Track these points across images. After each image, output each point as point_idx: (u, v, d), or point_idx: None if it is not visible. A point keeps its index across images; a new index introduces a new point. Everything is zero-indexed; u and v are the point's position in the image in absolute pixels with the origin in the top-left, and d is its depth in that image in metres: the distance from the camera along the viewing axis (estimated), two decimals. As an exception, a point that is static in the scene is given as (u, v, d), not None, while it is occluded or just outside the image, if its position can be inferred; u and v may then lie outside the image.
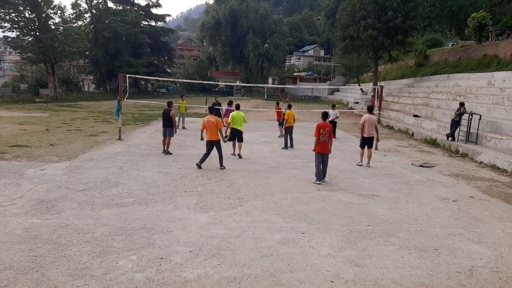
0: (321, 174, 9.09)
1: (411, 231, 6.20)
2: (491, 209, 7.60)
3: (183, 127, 18.63)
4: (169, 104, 12.50)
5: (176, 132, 12.42)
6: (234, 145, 12.23)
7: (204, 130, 10.26)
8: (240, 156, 11.79)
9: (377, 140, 12.06)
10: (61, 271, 4.46)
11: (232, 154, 11.98)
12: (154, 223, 6.10)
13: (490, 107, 16.13)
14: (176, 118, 19.53)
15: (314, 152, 9.20)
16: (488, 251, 5.55)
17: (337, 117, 17.38)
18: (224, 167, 10.20)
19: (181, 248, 5.23)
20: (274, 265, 4.84)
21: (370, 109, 11.89)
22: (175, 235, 5.66)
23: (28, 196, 7.15)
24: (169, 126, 12.11)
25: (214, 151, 10.17)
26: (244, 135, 12.35)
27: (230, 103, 17.16)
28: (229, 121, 12.12)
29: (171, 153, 12.10)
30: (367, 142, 11.35)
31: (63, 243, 5.20)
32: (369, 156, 11.44)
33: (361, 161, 11.45)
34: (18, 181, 8.17)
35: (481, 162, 12.21)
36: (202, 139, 10.57)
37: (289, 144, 14.04)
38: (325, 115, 9.41)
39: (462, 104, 14.96)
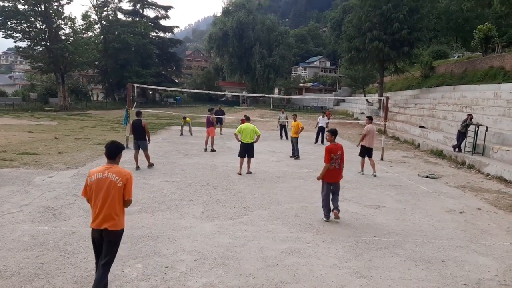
0: (329, 209, 7.13)
1: (417, 243, 6.15)
2: (498, 221, 7.52)
3: (191, 134, 20.20)
4: (138, 114, 11.44)
5: (149, 142, 11.28)
6: (242, 163, 10.74)
7: None
8: (249, 172, 10.78)
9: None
10: (67, 279, 4.48)
11: (238, 174, 10.60)
12: (159, 231, 6.12)
13: (496, 119, 16.05)
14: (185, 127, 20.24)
15: (321, 180, 7.24)
16: (496, 264, 5.48)
17: (327, 123, 19.06)
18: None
19: (187, 256, 5.24)
20: (279, 275, 4.82)
21: (371, 119, 11.98)
22: (181, 243, 5.67)
23: (36, 203, 7.22)
24: (141, 138, 11.00)
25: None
26: None
27: (210, 110, 16.20)
28: (236, 132, 10.87)
29: (153, 164, 11.24)
30: (367, 152, 11.48)
31: (69, 251, 5.23)
32: (373, 165, 11.47)
33: (362, 170, 11.59)
34: (26, 188, 8.25)
35: (488, 174, 12.11)
36: None
37: (291, 154, 14.19)
38: (334, 133, 7.34)
39: (470, 116, 14.87)
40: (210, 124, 15.01)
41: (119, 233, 4.01)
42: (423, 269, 5.20)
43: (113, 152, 4.19)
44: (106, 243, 3.93)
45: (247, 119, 11.19)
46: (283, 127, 20.20)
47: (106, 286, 3.99)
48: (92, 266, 4.75)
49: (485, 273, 5.18)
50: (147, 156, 11.13)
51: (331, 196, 7.15)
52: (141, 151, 11.12)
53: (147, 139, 11.09)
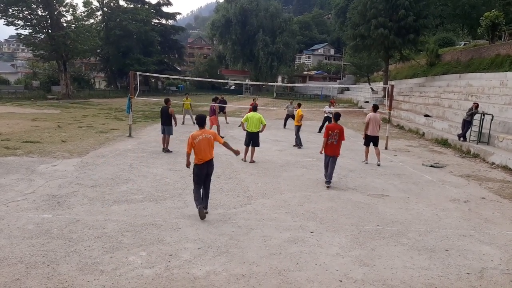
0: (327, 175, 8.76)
1: (421, 232, 6.15)
2: (502, 210, 7.50)
3: (194, 123, 19.10)
4: (167, 101, 12.34)
5: (176, 125, 12.19)
6: (246, 151, 10.96)
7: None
8: (252, 161, 10.85)
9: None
10: (72, 266, 4.52)
11: (242, 160, 10.92)
12: (163, 219, 6.14)
13: (502, 108, 15.89)
14: (181, 116, 20.05)
15: (321, 153, 8.99)
16: (499, 253, 5.47)
17: (331, 113, 18.63)
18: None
19: (190, 245, 5.26)
20: (283, 263, 4.84)
21: (375, 108, 11.87)
22: (184, 232, 5.70)
23: (40, 192, 7.25)
24: (168, 124, 11.88)
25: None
26: None
27: (215, 99, 16.67)
28: (242, 121, 11.12)
29: (171, 151, 11.83)
30: (371, 141, 11.45)
31: (74, 238, 5.26)
32: (378, 154, 11.43)
33: (366, 159, 11.58)
34: (30, 176, 8.29)
35: (493, 163, 12.05)
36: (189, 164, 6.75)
37: (294, 143, 14.11)
38: (336, 116, 9.04)
39: (476, 105, 14.74)
40: (212, 112, 15.20)
41: (212, 160, 6.53)
42: (426, 258, 5.21)
43: (201, 122, 6.51)
44: (209, 172, 6.53)
45: (254, 108, 11.24)
46: (290, 117, 20.14)
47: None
48: (96, 254, 4.86)
49: (488, 262, 5.18)
50: (167, 141, 11.96)
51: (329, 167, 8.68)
52: None
53: (172, 124, 11.98)
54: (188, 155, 6.52)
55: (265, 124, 11.09)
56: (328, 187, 8.53)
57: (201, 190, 6.48)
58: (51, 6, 34.43)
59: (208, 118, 15.21)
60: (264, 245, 5.35)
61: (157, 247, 5.13)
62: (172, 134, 12.08)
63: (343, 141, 8.85)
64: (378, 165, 11.20)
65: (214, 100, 16.58)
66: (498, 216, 7.14)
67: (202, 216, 6.19)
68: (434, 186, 9.21)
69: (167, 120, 11.90)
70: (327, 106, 19.45)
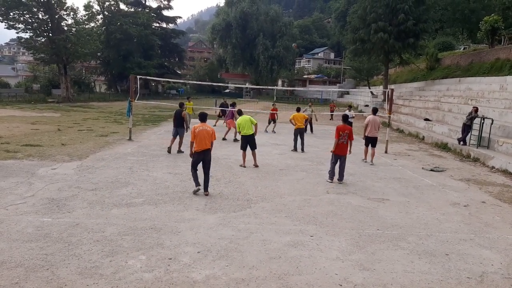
0: (333, 174, 9.29)
1: (421, 236, 6.13)
2: (502, 214, 7.48)
3: (187, 127, 19.00)
4: (181, 105, 12.98)
5: (186, 131, 12.73)
6: (245, 156, 10.77)
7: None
8: (256, 166, 10.69)
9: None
10: (71, 270, 4.50)
11: (241, 166, 10.68)
12: (163, 223, 6.13)
13: (502, 112, 15.90)
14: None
15: (331, 152, 9.45)
16: (500, 257, 5.46)
17: (353, 117, 19.22)
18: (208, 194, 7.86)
19: (190, 248, 5.25)
20: (282, 267, 4.83)
21: (375, 111, 12.41)
22: (184, 235, 5.68)
23: (40, 195, 7.24)
24: (180, 126, 12.49)
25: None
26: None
27: (233, 105, 17.89)
28: (238, 130, 11.09)
29: (183, 151, 12.19)
30: (370, 142, 11.99)
31: (73, 242, 5.25)
32: (372, 155, 12.04)
33: (365, 158, 12.18)
34: (30, 180, 8.28)
35: (493, 167, 12.04)
36: (192, 154, 7.91)
37: (293, 148, 13.96)
38: (345, 118, 9.77)
39: (475, 109, 14.77)
40: (230, 116, 16.52)
41: (209, 150, 7.82)
42: (427, 262, 5.19)
43: (203, 118, 7.93)
44: (206, 160, 7.82)
45: (239, 113, 11.70)
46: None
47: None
48: (96, 257, 4.84)
49: (488, 266, 5.17)
50: (180, 142, 12.51)
51: (337, 168, 9.28)
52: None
53: (185, 127, 12.66)
54: (192, 143, 7.73)
55: (256, 123, 11.23)
56: (341, 182, 9.23)
57: (201, 180, 7.83)
58: (52, 9, 34.58)
59: (227, 120, 16.44)
60: (264, 249, 5.34)
61: (156, 251, 5.12)
62: (183, 136, 12.55)
63: (352, 141, 9.57)
64: (371, 164, 11.77)
65: (233, 105, 17.76)
66: (498, 220, 7.13)
67: (194, 192, 7.76)
68: (434, 190, 9.20)
69: (180, 122, 12.51)
70: (347, 111, 19.55)
